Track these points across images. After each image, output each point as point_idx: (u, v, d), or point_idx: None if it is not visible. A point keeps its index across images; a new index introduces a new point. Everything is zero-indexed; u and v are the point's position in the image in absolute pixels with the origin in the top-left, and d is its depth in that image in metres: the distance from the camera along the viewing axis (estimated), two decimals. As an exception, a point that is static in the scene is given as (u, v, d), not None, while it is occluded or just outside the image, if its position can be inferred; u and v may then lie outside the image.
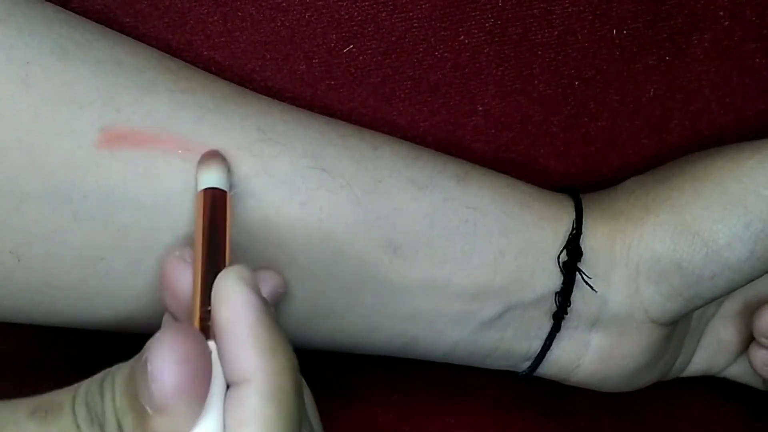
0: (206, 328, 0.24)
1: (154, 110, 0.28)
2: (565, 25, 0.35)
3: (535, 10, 0.34)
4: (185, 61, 0.32)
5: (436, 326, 0.33)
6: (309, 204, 0.30)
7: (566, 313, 0.34)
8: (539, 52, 0.35)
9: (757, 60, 0.37)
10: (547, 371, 0.36)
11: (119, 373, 0.23)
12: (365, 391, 0.41)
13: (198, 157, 0.28)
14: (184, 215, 0.28)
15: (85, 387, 0.23)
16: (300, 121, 0.31)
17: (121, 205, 0.28)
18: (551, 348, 0.35)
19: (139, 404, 0.22)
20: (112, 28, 0.31)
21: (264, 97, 0.32)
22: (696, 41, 0.36)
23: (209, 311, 0.24)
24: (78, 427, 0.23)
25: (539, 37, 0.35)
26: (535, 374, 0.36)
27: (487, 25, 0.34)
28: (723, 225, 0.32)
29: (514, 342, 0.34)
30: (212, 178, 0.27)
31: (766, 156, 0.33)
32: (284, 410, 0.23)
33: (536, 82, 0.35)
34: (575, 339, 0.35)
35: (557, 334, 0.34)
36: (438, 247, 0.32)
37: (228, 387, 0.23)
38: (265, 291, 0.29)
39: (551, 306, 0.34)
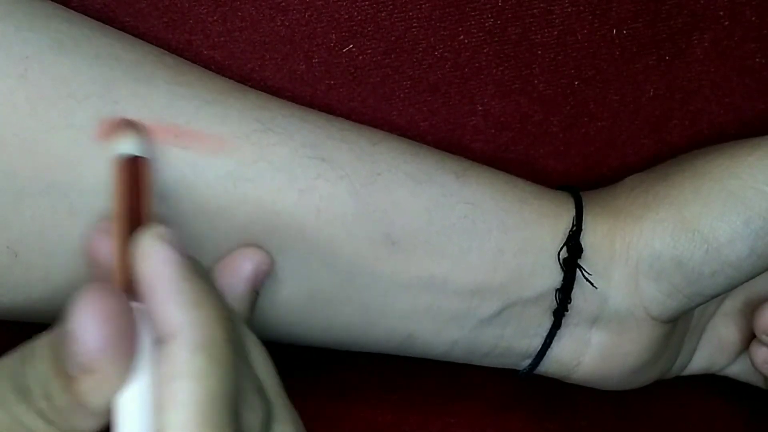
0: (131, 291, 0.24)
1: (152, 102, 0.28)
2: (565, 25, 0.35)
3: (534, 10, 0.34)
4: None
5: (435, 323, 0.33)
6: (307, 192, 0.30)
7: (567, 310, 0.34)
8: (539, 52, 0.35)
9: (757, 60, 0.37)
10: (548, 369, 0.36)
11: (39, 341, 0.23)
12: (365, 391, 0.41)
13: (193, 144, 0.28)
14: (176, 202, 0.28)
15: (9, 360, 0.23)
16: (299, 115, 0.31)
17: None
18: (551, 346, 0.35)
19: (63, 368, 0.22)
20: (111, 27, 0.31)
21: (263, 93, 0.32)
22: (696, 41, 0.36)
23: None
24: (3, 400, 0.22)
25: (539, 36, 0.35)
26: (535, 372, 0.36)
27: (486, 24, 0.34)
28: (723, 222, 0.32)
29: (514, 340, 0.34)
30: (127, 145, 0.27)
31: (765, 153, 0.33)
32: (216, 360, 0.23)
33: (536, 81, 0.35)
34: (575, 337, 0.35)
35: (557, 332, 0.34)
36: (436, 243, 0.32)
37: (160, 344, 0.23)
38: (249, 267, 0.29)
39: (551, 303, 0.34)
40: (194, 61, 0.32)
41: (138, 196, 0.26)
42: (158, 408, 0.22)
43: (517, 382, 0.37)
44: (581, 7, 0.34)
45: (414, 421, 0.42)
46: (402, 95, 0.35)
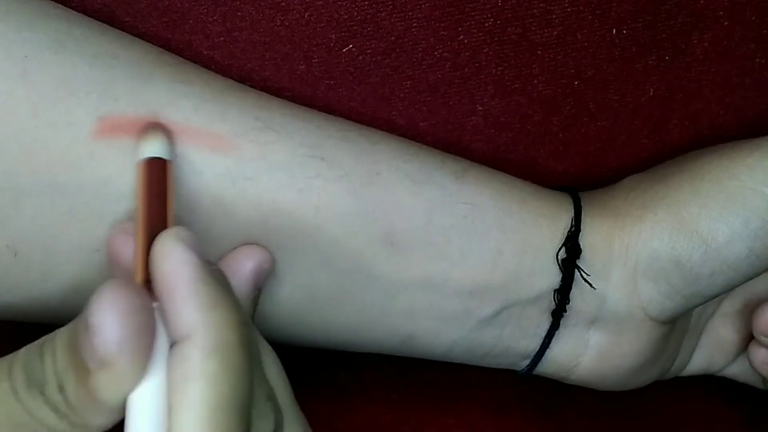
0: (150, 291, 0.24)
1: (151, 100, 0.28)
2: (565, 25, 0.35)
3: (534, 10, 0.34)
4: (185, 60, 0.32)
5: (434, 324, 0.33)
6: (306, 191, 0.30)
7: (565, 311, 0.34)
8: (539, 52, 0.35)
9: (757, 60, 0.37)
10: (546, 369, 0.36)
11: (59, 334, 0.23)
12: (365, 391, 0.41)
13: (191, 141, 0.28)
14: (182, 202, 0.28)
15: (23, 353, 0.23)
16: (299, 114, 0.31)
17: (115, 196, 0.28)
18: (550, 346, 0.35)
19: (80, 361, 0.22)
20: (111, 26, 0.31)
21: (263, 92, 0.32)
22: (696, 41, 0.36)
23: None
24: (16, 391, 0.23)
25: (539, 37, 0.35)
26: (533, 373, 0.36)
27: (486, 24, 0.34)
28: (722, 223, 0.32)
29: (512, 340, 0.34)
30: (152, 147, 0.27)
31: (764, 154, 0.33)
32: (229, 363, 0.23)
33: (536, 82, 0.35)
34: (574, 337, 0.35)
35: (556, 332, 0.34)
36: (435, 244, 0.32)
37: (173, 344, 0.23)
38: (250, 265, 0.29)
39: (550, 304, 0.34)
40: (194, 61, 0.32)
41: (161, 198, 0.26)
42: (170, 408, 0.22)
43: (517, 382, 0.37)
44: (581, 7, 0.34)
45: (414, 421, 0.42)
46: (402, 95, 0.35)
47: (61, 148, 0.27)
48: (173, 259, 0.24)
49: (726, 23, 0.36)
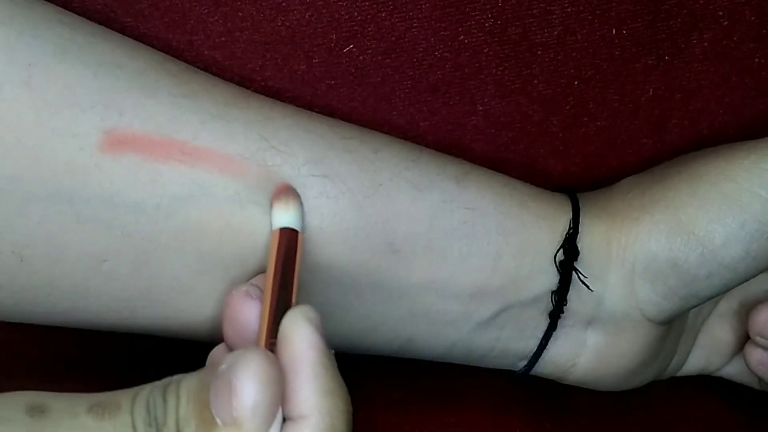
0: None
1: (156, 114, 0.28)
2: (565, 25, 0.35)
3: (534, 10, 0.34)
4: (186, 61, 0.32)
5: (434, 327, 0.33)
6: (310, 211, 0.30)
7: (562, 312, 0.34)
8: (539, 52, 0.35)
9: (757, 60, 0.37)
10: (543, 370, 0.36)
11: (186, 381, 0.24)
12: (365, 391, 0.41)
13: (200, 162, 0.28)
14: (184, 219, 0.28)
15: (148, 390, 0.24)
16: (301, 125, 0.31)
17: (123, 209, 0.28)
18: (547, 347, 0.35)
19: (208, 413, 0.23)
20: (112, 28, 0.31)
21: (266, 99, 0.32)
22: (695, 41, 0.36)
23: (273, 345, 0.25)
24: (134, 427, 0.23)
25: (539, 37, 0.35)
26: (531, 373, 0.36)
27: (486, 25, 0.34)
28: (718, 225, 0.32)
29: (510, 341, 0.34)
30: (288, 217, 0.28)
31: (761, 156, 0.33)
32: None
33: (536, 81, 0.35)
34: (571, 338, 0.35)
35: (553, 333, 0.34)
36: (437, 249, 0.32)
37: (284, 420, 0.24)
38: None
39: (547, 305, 0.34)
40: (195, 62, 0.32)
41: (291, 269, 0.27)
42: None
43: (517, 382, 0.37)
44: (581, 7, 0.34)
45: (414, 420, 0.42)
46: (402, 95, 0.35)
47: (67, 157, 0.27)
48: (301, 339, 0.25)
49: (725, 23, 0.36)
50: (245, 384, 0.23)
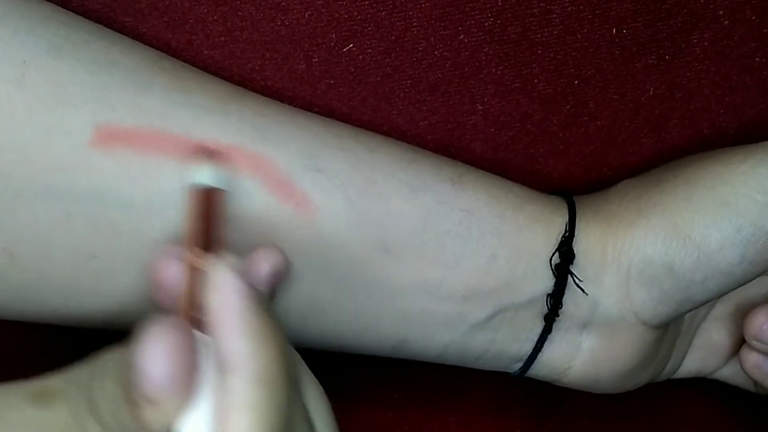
0: (198, 321, 0.25)
1: (149, 110, 0.28)
2: (565, 24, 0.35)
3: (534, 10, 0.34)
4: (185, 60, 0.32)
5: (427, 328, 0.33)
6: (303, 204, 0.30)
7: (557, 316, 0.34)
8: (539, 52, 0.35)
9: (757, 60, 0.37)
10: (538, 373, 0.36)
11: (111, 361, 0.24)
12: (365, 391, 0.41)
13: (191, 156, 0.28)
14: (176, 215, 0.28)
15: (81, 372, 0.24)
16: (296, 122, 0.31)
17: (113, 205, 0.28)
18: (542, 350, 0.35)
19: (131, 394, 0.23)
20: (111, 27, 0.31)
21: (261, 97, 0.32)
22: (696, 40, 0.36)
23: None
24: (76, 413, 0.23)
25: (539, 36, 0.35)
26: (526, 375, 0.36)
27: (486, 24, 0.34)
28: (714, 229, 0.32)
29: (505, 344, 0.34)
30: (206, 174, 0.28)
31: (758, 160, 0.33)
32: (272, 393, 0.23)
33: (536, 81, 0.35)
34: (566, 341, 0.35)
35: (548, 336, 0.34)
36: (430, 250, 0.32)
37: (223, 374, 0.24)
38: (266, 267, 0.29)
39: (542, 308, 0.34)
40: (194, 62, 0.32)
41: (210, 225, 0.27)
42: None
43: (517, 383, 0.37)
44: (581, 7, 0.34)
45: (413, 419, 0.42)
46: (402, 95, 0.35)
47: (58, 154, 0.27)
48: (225, 288, 0.24)
49: (726, 22, 0.36)
50: (148, 362, 0.22)
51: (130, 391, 0.23)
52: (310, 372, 0.28)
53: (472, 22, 0.34)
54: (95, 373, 0.24)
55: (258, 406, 0.23)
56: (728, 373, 0.39)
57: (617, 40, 0.35)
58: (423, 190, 0.32)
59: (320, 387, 0.28)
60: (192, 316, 0.25)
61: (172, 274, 0.26)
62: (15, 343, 0.37)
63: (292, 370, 0.25)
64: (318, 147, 0.30)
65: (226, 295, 0.24)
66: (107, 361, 0.24)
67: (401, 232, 0.31)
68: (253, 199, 0.29)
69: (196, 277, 0.25)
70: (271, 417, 0.23)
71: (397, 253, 0.31)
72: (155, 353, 0.23)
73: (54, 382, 0.24)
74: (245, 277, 0.25)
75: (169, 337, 0.23)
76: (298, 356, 0.28)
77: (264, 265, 0.29)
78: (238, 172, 0.29)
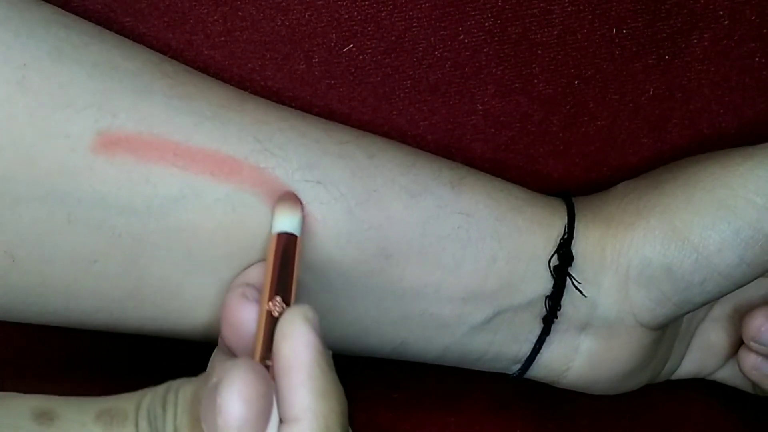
0: (268, 367, 0.25)
1: (150, 116, 0.28)
2: (565, 24, 0.35)
3: (534, 10, 0.34)
4: (185, 60, 0.32)
5: (427, 330, 0.33)
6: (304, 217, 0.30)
7: (556, 317, 0.34)
8: (539, 52, 0.35)
9: (757, 60, 0.37)
10: (537, 374, 0.36)
11: (183, 390, 0.24)
12: (365, 391, 0.41)
13: (192, 164, 0.28)
14: (175, 221, 0.28)
15: (149, 398, 0.24)
16: (297, 129, 0.31)
17: (115, 210, 0.28)
18: (541, 351, 0.35)
19: (200, 428, 0.23)
20: (111, 28, 0.31)
21: (262, 101, 0.32)
22: (696, 41, 0.36)
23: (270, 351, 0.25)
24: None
25: (539, 36, 0.35)
26: (525, 377, 0.36)
27: (486, 24, 0.34)
28: (713, 231, 0.32)
29: (504, 345, 0.34)
30: (287, 222, 0.28)
31: (756, 163, 0.33)
32: None
33: (536, 81, 0.35)
34: (565, 343, 0.35)
35: (547, 338, 0.34)
36: (430, 254, 0.32)
37: (281, 422, 0.24)
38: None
39: (541, 310, 0.34)
40: (194, 62, 0.32)
41: (289, 273, 0.27)
42: None
43: (517, 383, 0.37)
44: (581, 7, 0.34)
45: (414, 419, 0.42)
46: (402, 95, 0.35)
47: (60, 158, 0.27)
48: (297, 340, 0.25)
49: (726, 23, 0.36)
50: (230, 403, 0.23)
51: (200, 424, 0.23)
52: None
53: (472, 22, 0.34)
54: (167, 402, 0.24)
55: None
56: (727, 375, 0.39)
57: (617, 40, 0.35)
58: (423, 195, 0.32)
59: None
60: (265, 363, 0.25)
61: (247, 316, 0.27)
62: (16, 345, 0.37)
63: (347, 428, 0.25)
64: (318, 155, 0.30)
65: (297, 346, 0.24)
66: (179, 390, 0.24)
67: (401, 238, 0.31)
68: (256, 212, 0.29)
69: (270, 322, 0.26)
70: None
71: (397, 258, 0.31)
72: (236, 395, 0.23)
73: (123, 403, 0.24)
74: (317, 330, 0.25)
75: (250, 381, 0.23)
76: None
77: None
78: (242, 186, 0.29)
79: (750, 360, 0.37)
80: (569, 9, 0.34)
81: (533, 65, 0.35)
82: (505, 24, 0.34)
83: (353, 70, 0.34)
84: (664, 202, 0.33)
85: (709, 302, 0.34)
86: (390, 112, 0.35)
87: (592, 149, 0.37)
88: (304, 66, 0.34)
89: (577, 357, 0.35)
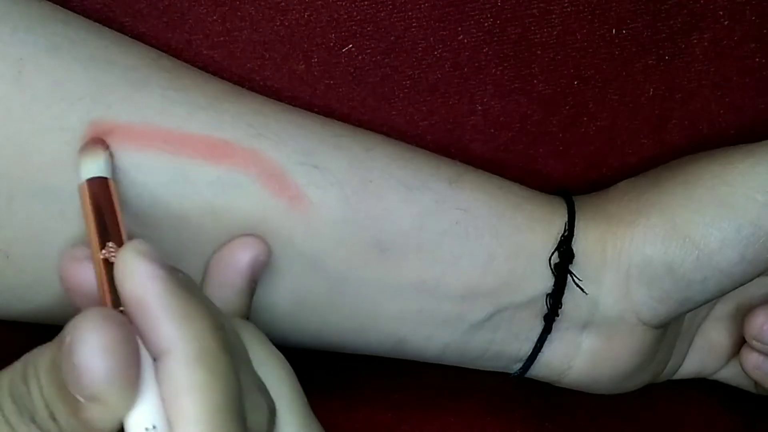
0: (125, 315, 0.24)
1: (145, 107, 0.28)
2: (564, 24, 0.35)
3: (534, 10, 0.34)
4: (184, 60, 0.32)
5: (426, 328, 0.33)
6: (297, 199, 0.30)
7: (557, 315, 0.34)
8: (538, 52, 0.35)
9: (757, 60, 0.37)
10: (538, 373, 0.36)
11: (41, 360, 0.23)
12: (365, 391, 0.41)
13: (183, 150, 0.28)
14: (165, 206, 0.28)
15: (8, 377, 0.23)
16: (293, 120, 0.31)
17: None
18: (542, 350, 0.35)
19: (69, 394, 0.22)
20: (110, 27, 0.31)
21: (259, 96, 0.32)
22: (695, 41, 0.36)
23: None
24: (7, 421, 0.22)
25: (538, 36, 0.35)
26: (526, 376, 0.36)
27: (486, 24, 0.34)
28: (714, 229, 0.32)
29: (504, 344, 0.34)
30: (93, 167, 0.27)
31: (757, 160, 0.33)
32: (215, 371, 0.22)
33: (535, 81, 0.35)
34: (566, 341, 0.35)
35: (548, 336, 0.34)
36: (428, 249, 0.32)
37: (154, 360, 0.23)
38: (247, 257, 0.28)
39: (542, 308, 0.34)
40: (194, 61, 0.32)
41: (111, 217, 0.26)
42: (170, 423, 0.22)
43: (517, 382, 0.37)
44: (580, 7, 0.34)
45: (414, 419, 0.42)
46: (401, 95, 0.35)
47: (54, 152, 0.27)
48: (138, 276, 0.23)
49: (726, 23, 0.36)
50: (89, 359, 0.21)
51: (68, 390, 0.21)
52: (266, 342, 0.27)
53: (472, 22, 0.34)
54: (28, 377, 0.22)
55: (201, 386, 0.22)
56: (728, 374, 0.39)
57: (617, 41, 0.35)
58: (420, 189, 0.32)
59: (280, 356, 0.27)
60: (119, 311, 0.24)
61: (83, 275, 0.25)
62: (10, 343, 0.37)
63: (236, 344, 0.24)
64: (314, 144, 0.30)
65: (139, 282, 0.23)
66: (37, 360, 0.23)
67: (398, 230, 0.31)
68: (247, 193, 0.29)
69: (110, 271, 0.24)
70: (217, 394, 0.22)
71: (394, 251, 0.31)
72: (92, 348, 0.21)
73: None
74: (158, 260, 0.23)
75: (103, 328, 0.21)
76: (251, 326, 0.27)
77: (244, 253, 0.29)
78: (235, 168, 0.29)
79: (752, 359, 0.37)
80: (569, 9, 0.34)
81: (533, 65, 0.35)
82: (505, 24, 0.34)
83: (352, 71, 0.34)
84: (665, 200, 0.33)
85: (711, 300, 0.34)
86: (389, 112, 0.35)
87: (592, 149, 0.37)
88: (303, 66, 0.34)
89: (579, 356, 0.35)
